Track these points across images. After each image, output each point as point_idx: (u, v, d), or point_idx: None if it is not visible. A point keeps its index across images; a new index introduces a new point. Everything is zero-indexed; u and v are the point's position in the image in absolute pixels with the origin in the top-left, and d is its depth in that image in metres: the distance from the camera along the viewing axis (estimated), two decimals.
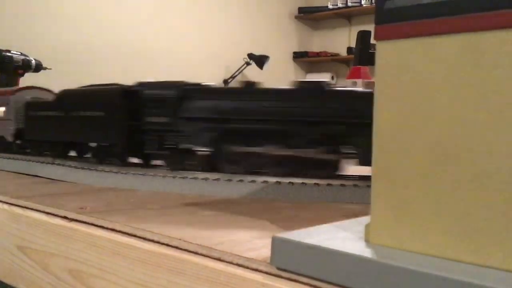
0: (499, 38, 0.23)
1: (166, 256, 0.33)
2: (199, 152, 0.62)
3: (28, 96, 0.86)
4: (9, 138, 0.85)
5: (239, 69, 3.81)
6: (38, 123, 0.78)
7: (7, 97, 0.86)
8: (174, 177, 0.57)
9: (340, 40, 4.65)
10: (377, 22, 0.27)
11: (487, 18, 0.23)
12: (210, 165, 0.60)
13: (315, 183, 0.52)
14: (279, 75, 4.22)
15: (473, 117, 0.23)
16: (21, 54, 1.69)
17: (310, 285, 0.26)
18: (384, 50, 0.26)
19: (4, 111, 0.85)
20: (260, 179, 0.54)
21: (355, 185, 0.51)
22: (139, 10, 3.51)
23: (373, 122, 0.27)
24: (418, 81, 0.25)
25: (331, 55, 4.64)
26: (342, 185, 0.52)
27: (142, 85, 0.63)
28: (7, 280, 0.47)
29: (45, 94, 0.89)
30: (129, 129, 0.63)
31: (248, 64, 3.81)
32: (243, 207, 0.48)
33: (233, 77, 3.81)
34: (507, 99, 0.22)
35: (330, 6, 4.54)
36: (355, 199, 0.50)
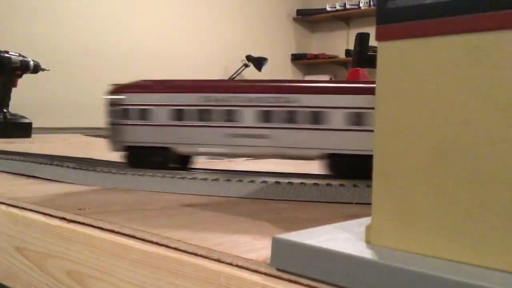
0: (500, 39, 0.22)
1: (165, 257, 0.33)
2: None
3: None
4: None
5: (237, 70, 3.81)
6: None
7: None
8: (172, 177, 0.57)
9: (338, 42, 4.66)
10: (378, 22, 0.27)
11: (488, 18, 0.23)
12: None
13: (314, 183, 0.52)
14: (278, 77, 4.23)
15: (474, 118, 0.23)
16: (19, 55, 1.69)
17: (310, 286, 0.26)
18: (386, 51, 0.26)
19: None
20: (259, 179, 0.54)
21: (355, 185, 0.51)
22: (138, 11, 3.51)
23: (375, 122, 0.27)
24: (419, 82, 0.25)
25: (330, 57, 4.65)
26: (341, 185, 0.52)
27: None
28: (4, 282, 0.47)
29: None
30: None
31: (246, 66, 3.81)
32: (242, 207, 0.48)
33: (231, 78, 3.81)
34: (508, 99, 0.22)
35: (328, 9, 4.55)
36: (355, 199, 0.50)
